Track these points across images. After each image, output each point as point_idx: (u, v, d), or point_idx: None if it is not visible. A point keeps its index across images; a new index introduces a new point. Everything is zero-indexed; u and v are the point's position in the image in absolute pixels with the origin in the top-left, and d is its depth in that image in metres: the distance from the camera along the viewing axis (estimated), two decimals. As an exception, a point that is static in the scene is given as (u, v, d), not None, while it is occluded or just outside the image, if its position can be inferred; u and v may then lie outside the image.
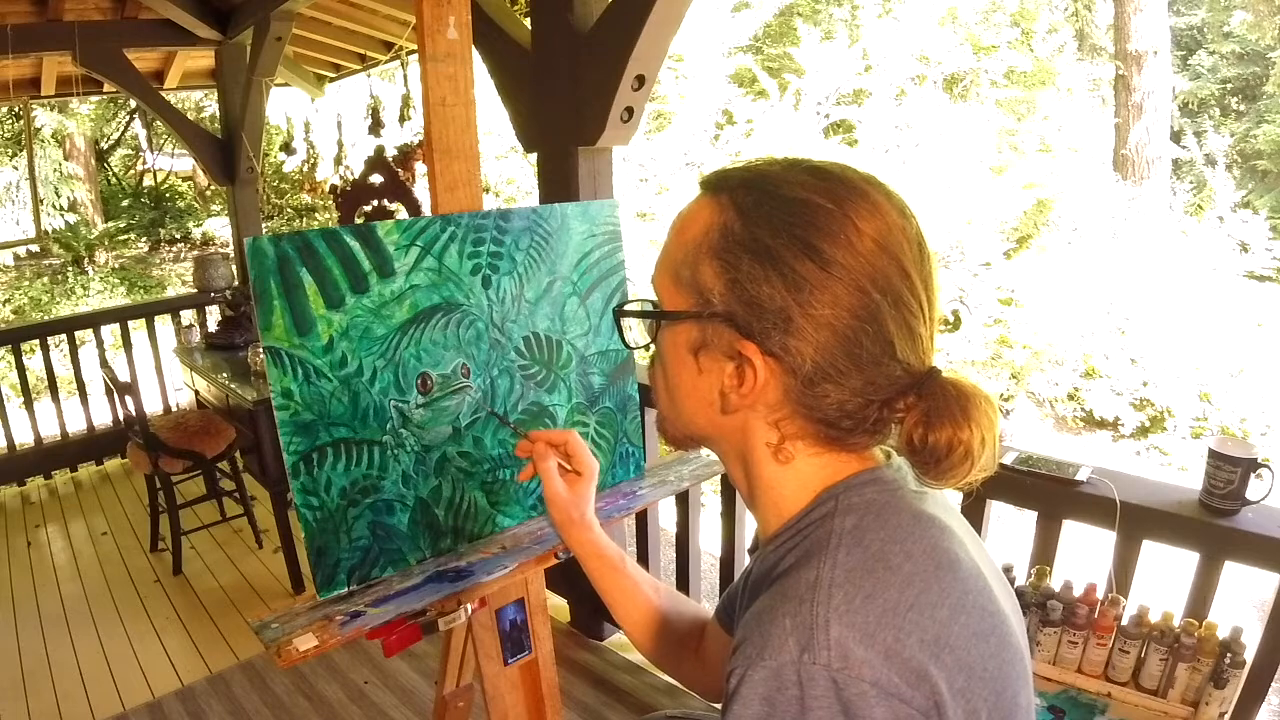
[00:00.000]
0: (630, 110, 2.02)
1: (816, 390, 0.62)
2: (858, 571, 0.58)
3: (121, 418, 3.15)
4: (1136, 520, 1.46)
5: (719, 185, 0.66)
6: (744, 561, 2.29)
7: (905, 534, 0.61)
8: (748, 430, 0.67)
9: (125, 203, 13.09)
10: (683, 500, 2.34)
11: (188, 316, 4.82)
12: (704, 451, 2.06)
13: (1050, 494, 1.57)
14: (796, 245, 0.59)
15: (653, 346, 0.74)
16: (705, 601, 2.52)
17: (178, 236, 12.97)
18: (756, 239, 0.61)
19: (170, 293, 10.79)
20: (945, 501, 0.71)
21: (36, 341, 4.28)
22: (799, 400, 0.63)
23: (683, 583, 2.41)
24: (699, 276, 0.64)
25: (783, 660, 0.55)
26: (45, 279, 10.82)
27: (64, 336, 4.56)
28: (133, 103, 10.70)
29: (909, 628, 0.56)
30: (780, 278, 0.59)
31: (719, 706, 0.64)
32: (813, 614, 0.55)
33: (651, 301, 0.72)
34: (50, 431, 4.27)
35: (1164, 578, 1.65)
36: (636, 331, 0.74)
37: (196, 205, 13.57)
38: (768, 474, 0.68)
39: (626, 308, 0.74)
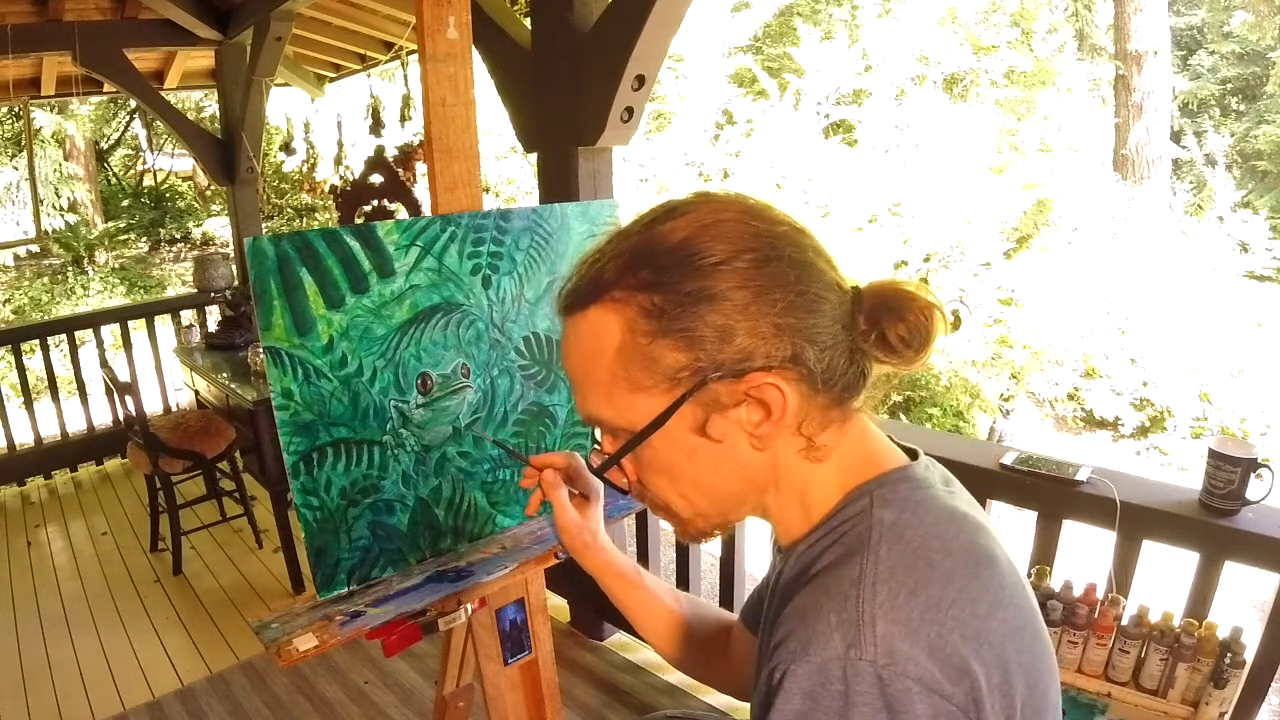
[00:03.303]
0: (630, 110, 2.02)
1: (809, 362, 0.62)
2: (900, 567, 0.58)
3: (121, 418, 3.15)
4: (1136, 520, 1.46)
5: (590, 296, 0.65)
6: (744, 561, 2.29)
7: (943, 530, 0.62)
8: (776, 452, 0.66)
9: (125, 203, 13.09)
10: (683, 500, 2.34)
11: (188, 316, 4.82)
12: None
13: (1050, 494, 1.57)
14: (692, 272, 0.61)
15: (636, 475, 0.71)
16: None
17: (178, 236, 12.97)
18: (672, 294, 0.61)
19: (170, 293, 10.80)
20: (970, 499, 0.71)
21: (36, 341, 4.28)
22: (809, 385, 0.63)
23: (683, 583, 2.41)
24: (659, 365, 0.62)
25: (828, 655, 0.55)
26: (45, 279, 10.82)
27: (64, 336, 4.56)
28: (133, 103, 10.70)
29: (951, 623, 0.56)
30: (712, 305, 0.60)
31: (740, 704, 0.64)
32: (859, 610, 0.55)
33: (622, 431, 0.68)
34: (50, 431, 4.27)
35: (1164, 578, 1.65)
36: (626, 470, 0.71)
37: (196, 205, 13.57)
38: (800, 479, 0.67)
39: (604, 464, 0.70)
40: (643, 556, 2.49)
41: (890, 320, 0.64)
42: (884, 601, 0.56)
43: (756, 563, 2.44)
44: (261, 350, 1.56)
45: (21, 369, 4.32)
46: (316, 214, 12.27)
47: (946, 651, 0.55)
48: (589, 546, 0.97)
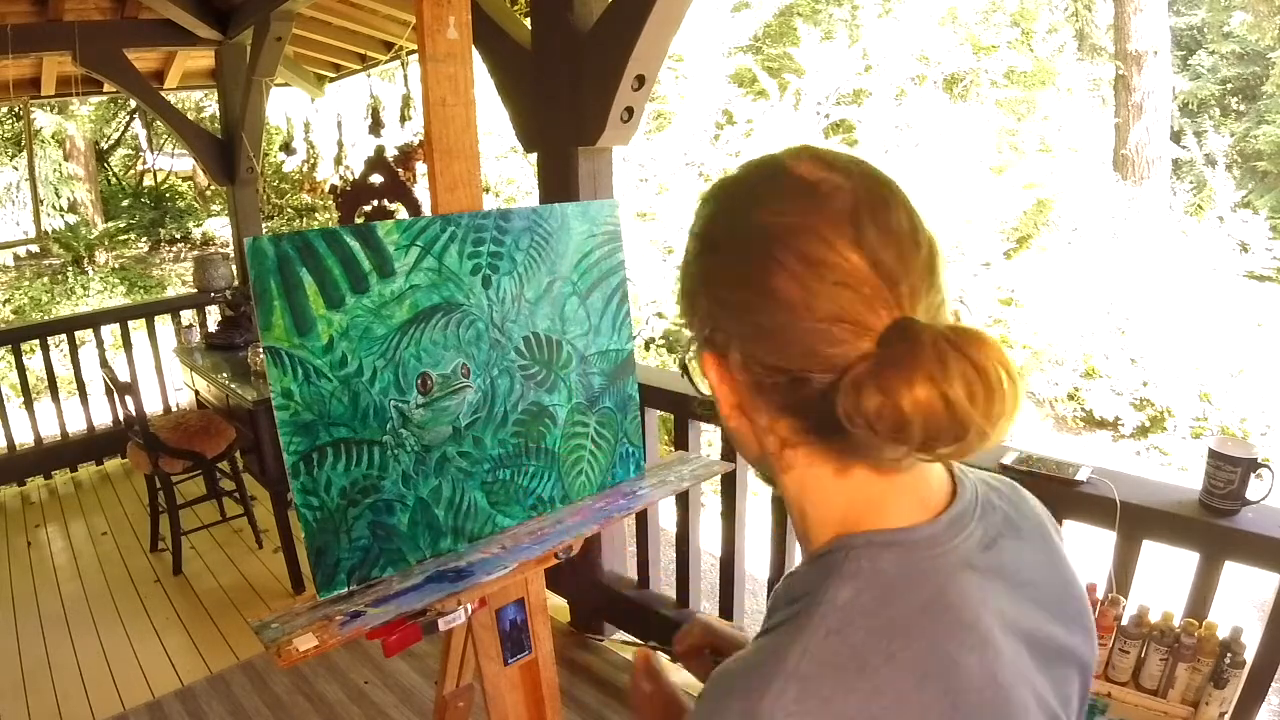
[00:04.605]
0: (630, 110, 2.02)
1: (720, 347, 0.55)
2: (828, 668, 0.50)
3: (121, 418, 3.15)
4: (1136, 520, 1.46)
5: None
6: (743, 561, 2.29)
7: (900, 629, 0.51)
8: (760, 437, 0.59)
9: (125, 203, 13.09)
10: (683, 500, 2.34)
11: (188, 316, 4.82)
12: (704, 451, 2.06)
13: (1050, 494, 1.55)
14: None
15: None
16: (705, 602, 2.53)
17: (178, 236, 12.97)
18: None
19: (170, 293, 10.79)
20: (1003, 564, 0.57)
21: (36, 341, 4.29)
22: (751, 376, 0.54)
23: (683, 583, 2.41)
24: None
25: None
26: (45, 279, 10.81)
27: (64, 336, 4.56)
28: (133, 103, 10.70)
29: None
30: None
31: None
32: (758, 707, 0.49)
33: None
34: (50, 431, 4.27)
35: (1164, 578, 1.65)
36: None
37: (196, 205, 13.57)
38: (794, 489, 0.59)
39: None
40: (643, 557, 2.50)
41: (866, 385, 0.47)
42: (789, 705, 0.48)
43: (757, 563, 2.44)
44: (261, 350, 1.56)
45: (21, 369, 4.32)
46: (316, 214, 12.27)
47: None
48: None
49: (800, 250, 0.50)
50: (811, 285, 0.50)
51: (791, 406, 0.53)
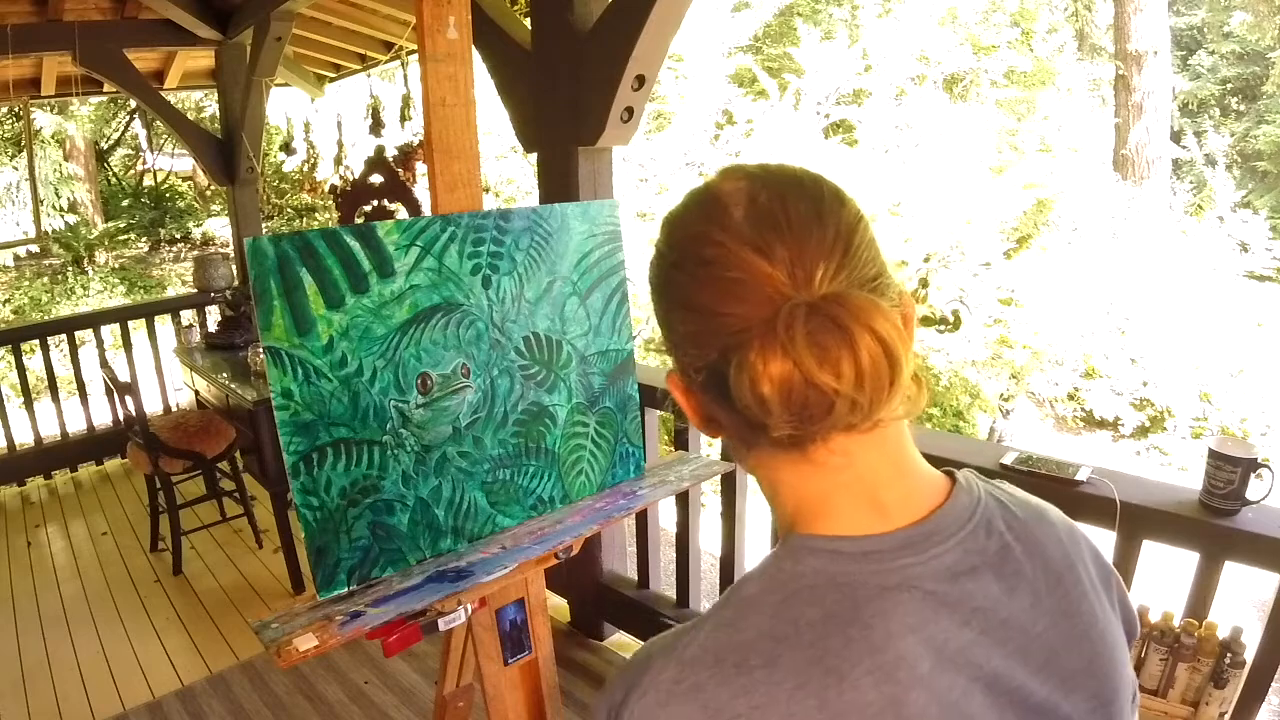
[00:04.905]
0: (630, 110, 2.02)
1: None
2: (710, 657, 0.52)
3: (121, 418, 3.15)
4: (1136, 520, 1.46)
5: None
6: (743, 561, 2.29)
7: (791, 634, 0.51)
8: (731, 442, 0.62)
9: (125, 203, 13.09)
10: (683, 500, 2.34)
11: (188, 316, 4.82)
12: (704, 451, 2.06)
13: (1050, 494, 1.56)
14: None
15: None
16: (705, 601, 2.52)
17: (178, 236, 12.97)
18: None
19: (170, 293, 10.79)
20: (1000, 596, 0.54)
21: (36, 341, 4.28)
22: (691, 381, 0.56)
23: (683, 583, 2.41)
24: None
25: (612, 701, 0.54)
26: (45, 279, 10.81)
27: (64, 336, 4.56)
28: (133, 103, 10.70)
29: None
30: None
31: None
32: (640, 679, 0.53)
33: None
34: (50, 431, 4.27)
35: (1164, 578, 1.65)
36: None
37: (196, 205, 13.58)
38: (763, 492, 0.61)
39: None
40: (643, 557, 2.50)
41: (736, 365, 0.49)
42: (665, 683, 0.51)
43: (756, 563, 2.44)
44: (261, 350, 1.56)
45: (21, 369, 4.32)
46: (316, 214, 12.28)
47: None
48: None
49: (699, 255, 0.52)
50: (710, 284, 0.51)
51: (724, 402, 0.52)
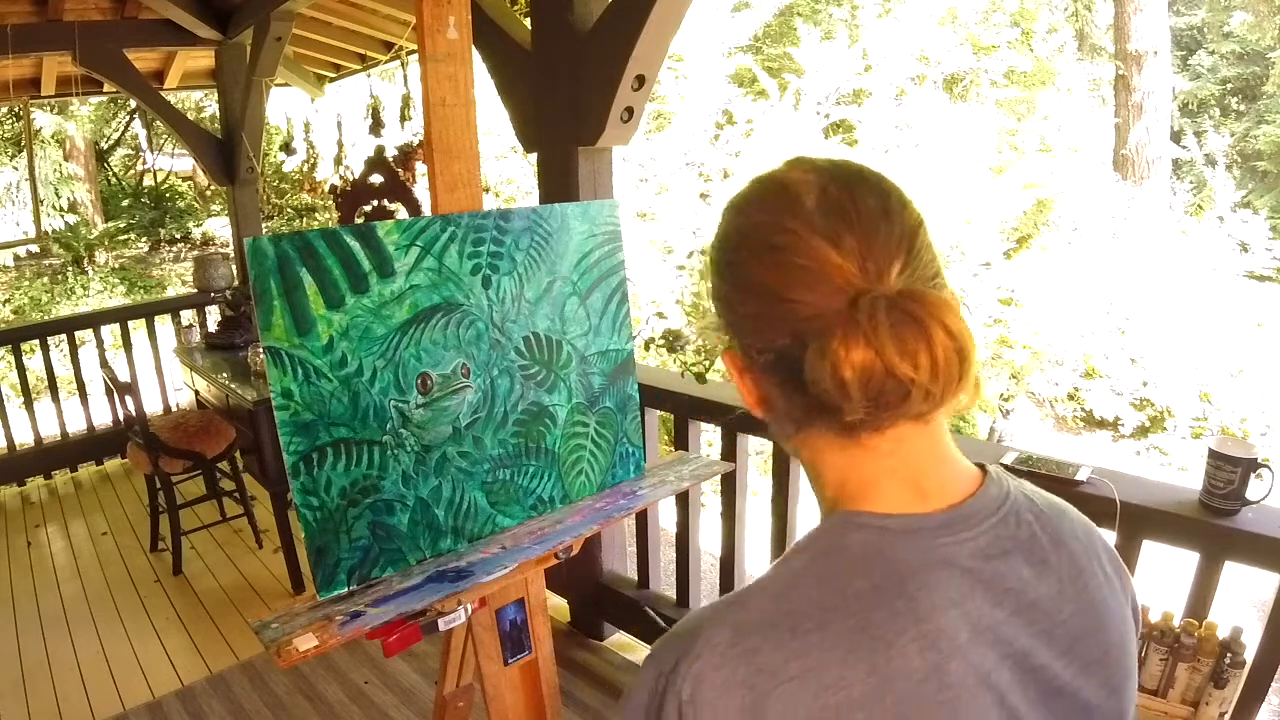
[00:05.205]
0: (630, 110, 2.02)
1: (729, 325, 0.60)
2: (765, 623, 0.54)
3: (121, 418, 3.15)
4: (1136, 520, 1.46)
5: None
6: (743, 561, 2.29)
7: (840, 602, 0.54)
8: (781, 423, 0.64)
9: (125, 203, 13.09)
10: (683, 500, 2.34)
11: (188, 316, 4.82)
12: (704, 451, 2.06)
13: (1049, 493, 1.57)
14: None
15: None
16: (705, 602, 2.52)
17: (178, 236, 12.97)
18: None
19: (170, 293, 10.79)
20: (1029, 581, 0.57)
21: (36, 341, 4.28)
22: (752, 362, 0.59)
23: (683, 583, 2.41)
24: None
25: (659, 669, 0.56)
26: (45, 279, 10.81)
27: (64, 336, 4.56)
28: (133, 103, 10.70)
29: (780, 695, 0.51)
30: None
31: None
32: (694, 642, 0.54)
33: None
34: (50, 431, 4.27)
35: (1164, 578, 1.65)
36: None
37: (196, 205, 13.58)
38: (806, 470, 0.63)
39: None
40: (643, 557, 2.50)
41: (816, 350, 0.51)
42: (721, 646, 0.53)
43: (757, 563, 2.44)
44: (261, 350, 1.56)
45: (21, 369, 4.32)
46: (316, 214, 12.27)
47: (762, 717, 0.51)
48: None
49: (769, 242, 0.55)
50: (779, 270, 0.54)
51: (789, 384, 0.56)
